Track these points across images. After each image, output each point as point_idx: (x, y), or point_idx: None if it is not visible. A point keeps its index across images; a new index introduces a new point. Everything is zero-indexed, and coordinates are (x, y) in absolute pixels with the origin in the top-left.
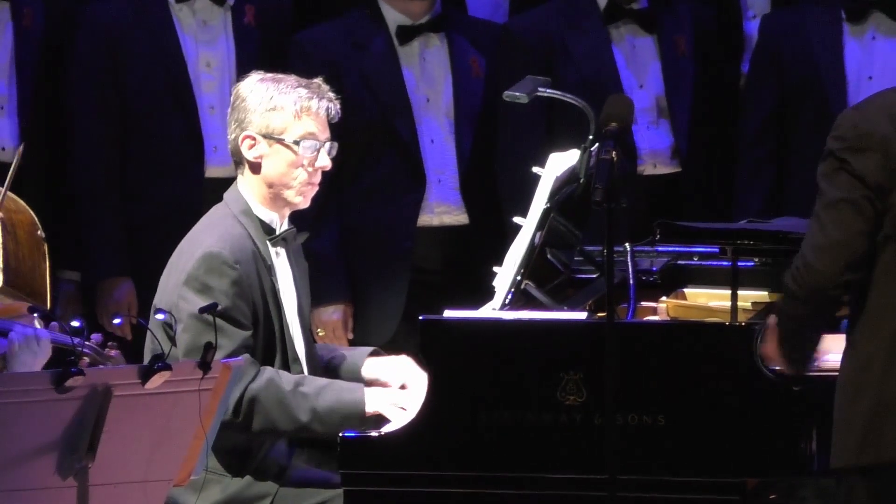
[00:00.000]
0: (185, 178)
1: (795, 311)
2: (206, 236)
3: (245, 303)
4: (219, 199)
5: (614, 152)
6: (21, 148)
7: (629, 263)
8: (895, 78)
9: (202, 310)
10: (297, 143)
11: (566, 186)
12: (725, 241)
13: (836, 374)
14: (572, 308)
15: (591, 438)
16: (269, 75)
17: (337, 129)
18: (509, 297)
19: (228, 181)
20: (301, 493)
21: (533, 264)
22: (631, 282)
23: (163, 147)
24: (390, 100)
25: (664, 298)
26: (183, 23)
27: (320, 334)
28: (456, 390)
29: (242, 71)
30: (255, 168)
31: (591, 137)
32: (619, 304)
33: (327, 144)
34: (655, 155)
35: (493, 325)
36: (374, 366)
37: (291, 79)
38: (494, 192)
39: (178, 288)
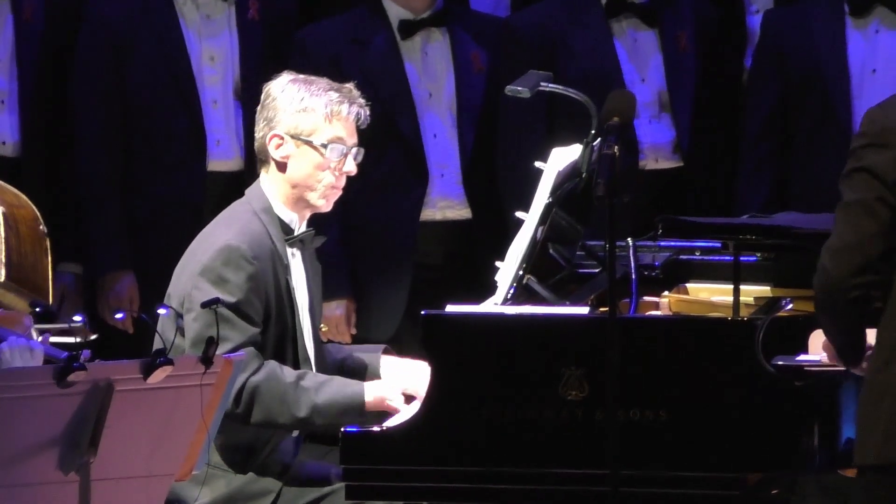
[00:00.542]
0: (187, 172)
1: (820, 313)
2: (226, 230)
3: (258, 299)
4: (221, 192)
5: (616, 147)
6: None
7: (631, 258)
8: None
9: (204, 304)
10: (324, 145)
11: (568, 181)
12: (728, 235)
13: (839, 369)
14: (574, 303)
15: (593, 434)
16: (301, 76)
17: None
18: (511, 291)
19: (231, 175)
20: (304, 488)
21: (535, 259)
22: (633, 277)
23: (166, 141)
24: (392, 95)
25: (666, 293)
26: (186, 17)
27: (323, 329)
28: (458, 385)
29: (246, 66)
30: (281, 167)
31: (592, 132)
32: (621, 298)
33: (354, 150)
34: (657, 149)
35: (495, 320)
36: (393, 366)
37: (323, 81)
38: (497, 186)
39: (193, 278)
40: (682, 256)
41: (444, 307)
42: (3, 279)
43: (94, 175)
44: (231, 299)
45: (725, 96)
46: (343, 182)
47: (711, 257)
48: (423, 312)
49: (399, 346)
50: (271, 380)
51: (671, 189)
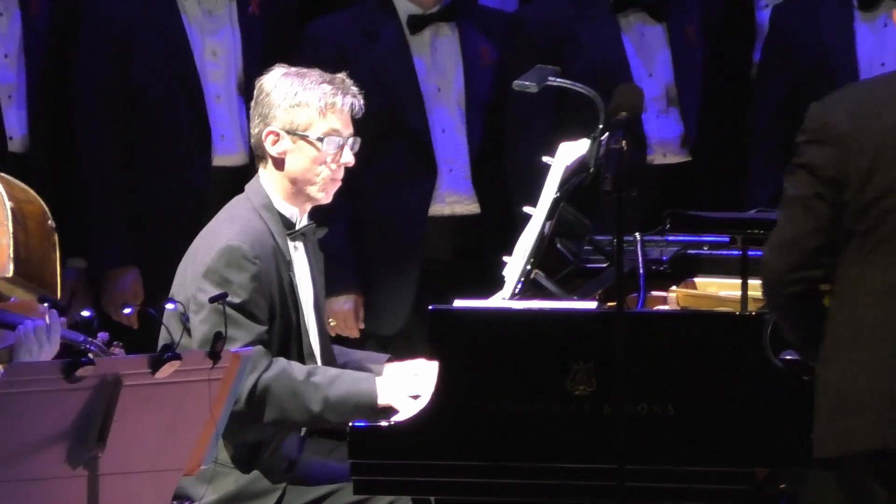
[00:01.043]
0: (192, 167)
1: (775, 314)
2: (227, 229)
3: (263, 298)
4: (226, 187)
5: (624, 141)
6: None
7: (639, 253)
8: None
9: (212, 299)
10: (321, 139)
11: (576, 176)
12: (736, 230)
13: None
14: (582, 298)
15: (601, 428)
16: (293, 70)
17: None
18: (519, 286)
19: (236, 170)
20: (311, 484)
21: (542, 254)
22: (641, 271)
23: (170, 136)
24: (401, 89)
25: (674, 288)
26: (188, 12)
27: (331, 324)
28: (465, 380)
29: (248, 60)
30: (279, 164)
31: (600, 127)
32: (628, 293)
33: (350, 140)
34: (665, 144)
35: (502, 314)
36: (398, 372)
37: (315, 74)
38: (505, 181)
39: (196, 279)
40: (690, 251)
41: (452, 302)
42: (11, 274)
43: (98, 171)
44: (236, 300)
45: (734, 91)
46: (342, 173)
47: (719, 252)
48: (430, 308)
49: (407, 341)
50: (282, 377)
51: (679, 184)
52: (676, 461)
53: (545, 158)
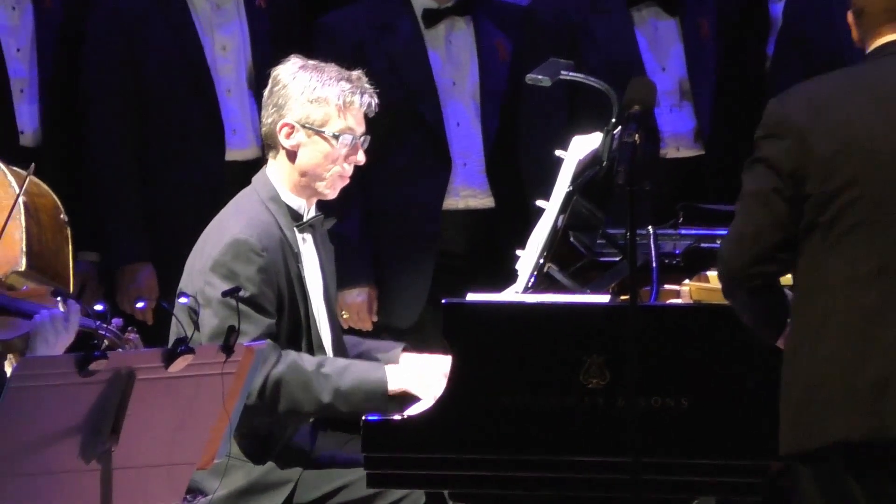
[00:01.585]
0: (204, 161)
1: (731, 303)
2: (234, 222)
3: (271, 290)
4: (239, 181)
5: (637, 135)
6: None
7: (652, 246)
8: None
9: (225, 293)
10: (336, 136)
11: (589, 169)
12: None
13: None
14: (595, 291)
15: (614, 421)
16: (311, 63)
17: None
18: (532, 280)
19: (248, 164)
20: (324, 477)
21: (556, 247)
22: (654, 265)
23: (182, 131)
24: (416, 82)
25: (687, 281)
26: (196, 7)
27: (344, 317)
28: (479, 373)
29: (257, 54)
30: (291, 156)
31: (613, 120)
32: (641, 287)
33: (362, 138)
34: (678, 138)
35: (515, 308)
36: (413, 362)
37: (333, 69)
38: (519, 175)
39: (204, 273)
40: (703, 244)
41: (465, 296)
42: (24, 268)
43: (111, 167)
44: (244, 293)
45: (747, 84)
46: (350, 171)
47: None
48: (443, 301)
49: (422, 335)
50: (293, 369)
51: (692, 177)
52: (689, 454)
53: (558, 152)
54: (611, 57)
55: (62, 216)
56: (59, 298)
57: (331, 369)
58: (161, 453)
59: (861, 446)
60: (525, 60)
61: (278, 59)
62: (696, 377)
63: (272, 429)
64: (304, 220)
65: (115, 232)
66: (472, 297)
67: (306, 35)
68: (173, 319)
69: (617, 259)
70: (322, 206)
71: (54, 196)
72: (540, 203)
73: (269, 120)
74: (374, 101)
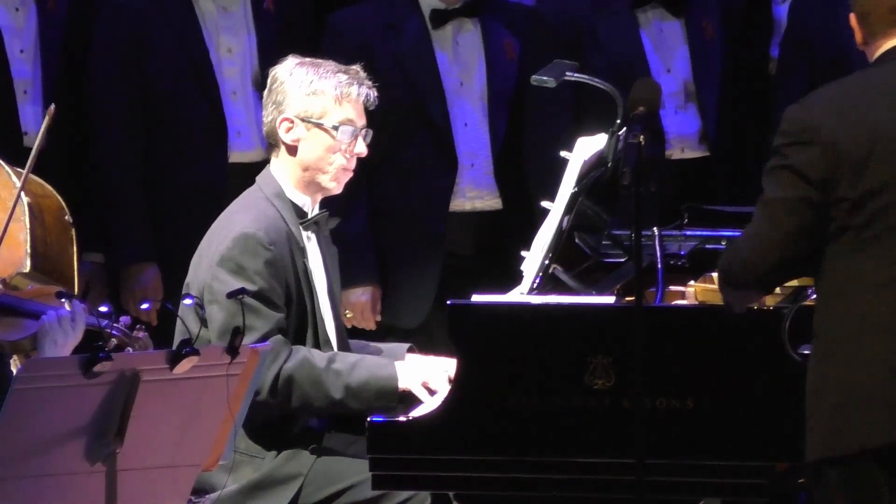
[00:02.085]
0: (209, 163)
1: (727, 293)
2: (241, 218)
3: (279, 284)
4: (243, 183)
5: (642, 136)
6: (52, 109)
7: (657, 247)
8: None
9: (230, 294)
10: (335, 127)
11: (594, 170)
12: None
13: None
14: (600, 292)
15: (620, 423)
16: (308, 59)
17: (369, 111)
18: (537, 281)
19: (252, 166)
20: (330, 477)
21: (561, 248)
22: (659, 266)
23: (186, 133)
24: (423, 82)
25: (692, 282)
26: (203, 10)
27: (348, 316)
28: (484, 375)
29: (263, 57)
30: (292, 151)
31: (618, 122)
32: (647, 288)
33: (364, 131)
34: (683, 139)
35: (521, 309)
36: (421, 361)
37: (330, 64)
38: (525, 176)
39: (211, 268)
40: (708, 245)
41: (470, 297)
42: (28, 269)
43: (116, 168)
44: (253, 287)
45: (752, 86)
46: (354, 164)
47: None
48: (448, 302)
49: (428, 336)
50: (304, 366)
51: (697, 178)
52: (695, 455)
53: (563, 153)
54: (616, 58)
55: (66, 217)
56: (63, 299)
57: (341, 365)
58: (166, 455)
59: None
60: (531, 61)
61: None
62: (701, 378)
63: (281, 425)
64: (309, 217)
65: (120, 232)
66: (477, 298)
67: (317, 36)
68: (178, 320)
69: (622, 260)
70: (328, 204)
71: (59, 197)
72: (545, 204)
73: (269, 118)
74: (373, 93)
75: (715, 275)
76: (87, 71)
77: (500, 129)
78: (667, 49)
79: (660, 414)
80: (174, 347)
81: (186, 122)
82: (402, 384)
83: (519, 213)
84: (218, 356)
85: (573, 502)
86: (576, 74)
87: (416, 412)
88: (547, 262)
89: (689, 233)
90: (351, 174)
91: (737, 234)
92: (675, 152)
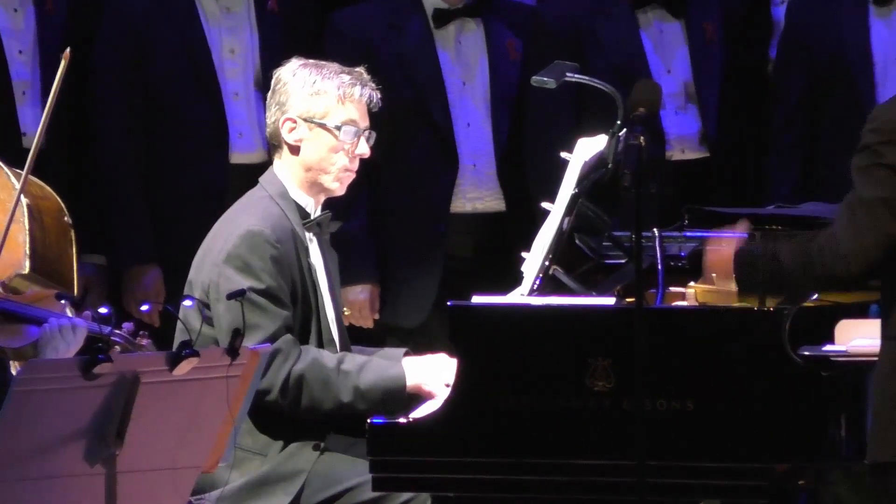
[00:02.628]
0: (210, 164)
1: (802, 282)
2: (246, 216)
3: (285, 281)
4: (244, 184)
5: (643, 137)
6: (68, 52)
7: (658, 249)
8: None
9: (230, 296)
10: (338, 127)
11: (594, 172)
12: (754, 226)
13: (865, 359)
14: (601, 294)
15: (620, 424)
16: (311, 61)
17: (372, 111)
18: (538, 282)
19: (254, 167)
20: (331, 478)
21: (561, 250)
22: (659, 267)
23: (188, 134)
24: (425, 82)
25: (693, 284)
26: (206, 10)
27: (346, 314)
28: (484, 376)
29: (266, 58)
30: (294, 151)
31: (619, 123)
32: (647, 289)
33: (366, 132)
34: (683, 140)
35: (521, 310)
36: (421, 362)
37: (334, 65)
38: (526, 177)
39: (216, 266)
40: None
41: (471, 298)
42: (27, 270)
43: (118, 169)
44: (260, 285)
45: (752, 87)
46: (356, 165)
47: None
48: (449, 303)
49: (428, 336)
50: (314, 367)
51: (698, 180)
52: (696, 457)
53: (563, 154)
54: (616, 59)
55: (66, 219)
56: (63, 301)
57: (350, 366)
58: (166, 457)
59: None
60: (531, 62)
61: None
62: (701, 380)
63: (285, 419)
64: (311, 218)
65: (121, 233)
66: (477, 299)
67: (320, 36)
68: (179, 322)
69: (622, 261)
70: (330, 205)
71: (58, 198)
72: (545, 205)
73: (273, 119)
74: (376, 94)
75: (715, 276)
76: (90, 71)
77: (503, 130)
78: (667, 50)
79: (660, 415)
80: (174, 349)
81: (188, 123)
82: (410, 383)
83: (520, 214)
84: (218, 358)
85: None
86: (576, 75)
87: (417, 413)
88: (547, 263)
89: (689, 234)
90: (353, 175)
91: (737, 235)
92: (676, 153)
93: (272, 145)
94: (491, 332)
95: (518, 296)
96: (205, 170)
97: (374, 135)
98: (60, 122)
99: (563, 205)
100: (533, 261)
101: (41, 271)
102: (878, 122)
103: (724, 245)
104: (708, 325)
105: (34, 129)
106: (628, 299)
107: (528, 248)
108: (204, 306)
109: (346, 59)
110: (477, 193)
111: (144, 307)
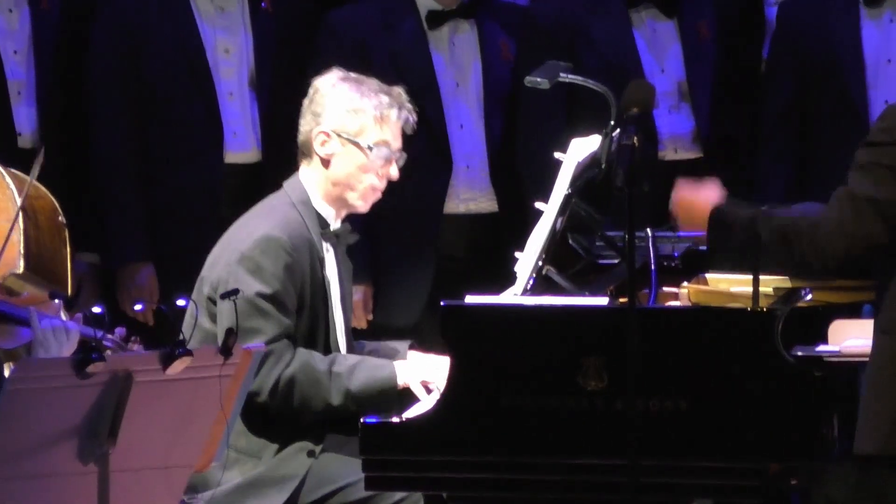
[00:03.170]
0: (204, 164)
1: (772, 255)
2: (266, 220)
3: (294, 289)
4: (238, 184)
5: (636, 138)
6: (41, 154)
7: (650, 248)
8: None
9: (223, 295)
10: (370, 148)
11: (587, 172)
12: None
13: (858, 359)
14: (594, 293)
15: (613, 424)
16: (353, 75)
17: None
18: (531, 282)
19: (248, 167)
20: (324, 477)
21: (554, 250)
22: (652, 267)
23: (182, 133)
24: (418, 82)
25: (686, 284)
26: (201, 10)
27: None
28: (477, 376)
29: (260, 57)
30: (325, 164)
31: (612, 123)
32: (640, 289)
33: (398, 154)
34: (676, 140)
35: (514, 310)
36: (422, 359)
37: (373, 83)
38: (518, 177)
39: (230, 266)
40: (701, 247)
41: (464, 298)
42: (22, 270)
43: (112, 167)
44: (268, 290)
45: (745, 86)
46: (384, 185)
47: None
48: (442, 303)
49: (420, 336)
50: (305, 370)
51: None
52: (688, 457)
53: (557, 154)
54: (609, 58)
55: (60, 218)
56: (57, 301)
57: (341, 368)
58: (159, 456)
59: None
60: (524, 62)
61: (285, 62)
62: (695, 379)
63: (280, 422)
64: (331, 228)
65: (115, 232)
66: (470, 299)
67: (315, 36)
68: (186, 315)
69: (615, 261)
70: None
71: (52, 198)
72: (538, 205)
73: (307, 127)
74: (413, 117)
75: (708, 276)
76: (85, 69)
77: (497, 131)
78: (660, 49)
79: (653, 415)
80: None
81: (183, 123)
82: (402, 382)
83: (513, 214)
84: (211, 357)
85: (566, 503)
86: (570, 76)
87: (410, 413)
88: (540, 263)
89: (682, 234)
90: (379, 195)
91: None
92: (669, 153)
93: (301, 152)
94: (484, 332)
95: (511, 295)
96: (199, 169)
97: (404, 157)
98: (55, 121)
99: (556, 205)
100: (526, 260)
101: (35, 270)
102: (889, 121)
103: (698, 192)
104: (701, 326)
105: (30, 128)
106: (621, 299)
107: (521, 247)
108: (211, 303)
109: (340, 59)
110: (470, 194)
111: (138, 306)
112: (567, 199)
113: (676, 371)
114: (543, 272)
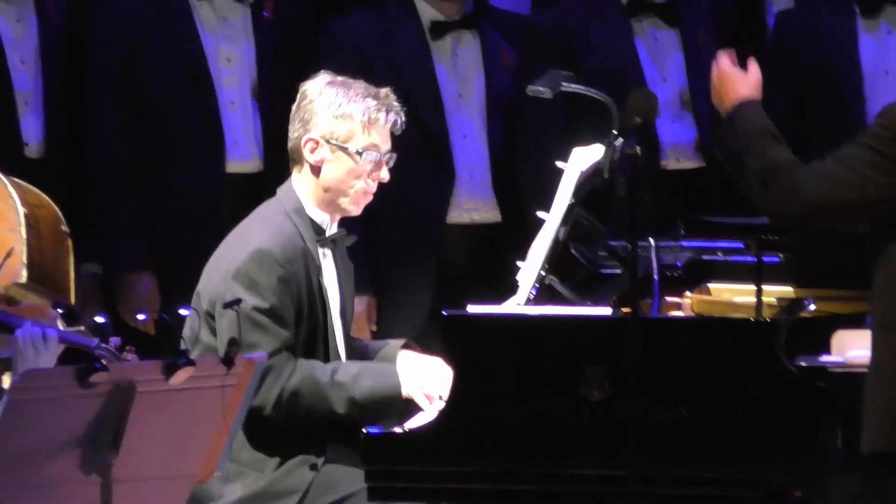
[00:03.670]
0: (205, 173)
1: (752, 173)
2: (258, 232)
3: (291, 301)
4: (240, 193)
5: (638, 147)
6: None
7: (653, 258)
8: None
9: (226, 305)
10: (360, 153)
11: (590, 181)
12: (750, 236)
13: (861, 370)
14: (596, 303)
15: (615, 433)
16: (339, 79)
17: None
18: (533, 291)
19: (250, 176)
20: (327, 487)
21: (557, 259)
22: (655, 277)
23: (183, 142)
24: (420, 92)
25: (688, 293)
26: (203, 19)
27: None
28: (479, 385)
29: (263, 67)
30: (315, 171)
31: (614, 132)
32: (643, 299)
33: (387, 156)
34: (679, 149)
35: (516, 320)
36: (411, 360)
37: (360, 86)
38: (519, 186)
39: (226, 280)
40: (704, 256)
41: (466, 307)
42: (24, 279)
43: (111, 176)
44: (264, 304)
45: None
46: (375, 188)
47: (734, 258)
48: (444, 312)
49: (423, 346)
50: (307, 381)
51: (693, 189)
52: (690, 466)
53: (559, 164)
54: (610, 67)
55: (63, 227)
56: (59, 310)
57: (344, 377)
58: (161, 466)
59: None
60: (525, 71)
61: (287, 71)
62: (697, 389)
63: (284, 438)
64: (327, 234)
65: (115, 241)
66: (472, 308)
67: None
68: (186, 324)
69: (618, 271)
70: (343, 220)
71: (55, 207)
72: (540, 214)
73: (295, 135)
74: (401, 119)
75: (711, 285)
76: (84, 78)
77: (498, 140)
78: (662, 58)
79: (655, 425)
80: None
81: (183, 132)
82: (405, 392)
83: (515, 223)
84: (213, 367)
85: None
86: (572, 85)
87: (412, 423)
88: (543, 272)
89: (685, 244)
90: (371, 198)
91: (732, 245)
92: (671, 162)
93: (291, 159)
94: (486, 342)
95: (513, 305)
96: (201, 178)
97: (394, 157)
98: (58, 130)
99: (558, 214)
100: (528, 270)
101: (38, 280)
102: (889, 119)
103: (740, 76)
104: (704, 336)
105: (37, 138)
106: (624, 309)
107: (523, 257)
108: (208, 316)
109: (341, 67)
110: (473, 204)
111: (141, 316)
112: (570, 208)
113: (678, 381)
114: (546, 282)
